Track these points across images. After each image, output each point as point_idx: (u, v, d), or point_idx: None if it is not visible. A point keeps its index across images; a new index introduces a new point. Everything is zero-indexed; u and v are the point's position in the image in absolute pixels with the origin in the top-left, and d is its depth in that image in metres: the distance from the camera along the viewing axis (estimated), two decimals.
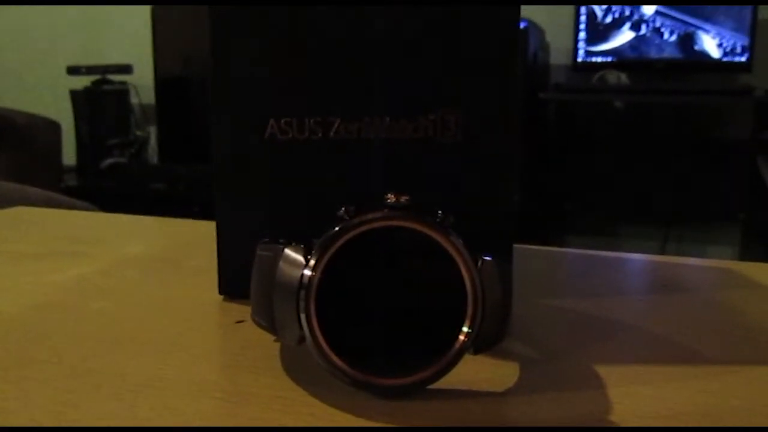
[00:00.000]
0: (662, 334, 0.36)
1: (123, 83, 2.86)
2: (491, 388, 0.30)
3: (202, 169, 2.44)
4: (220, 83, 0.38)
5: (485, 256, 0.28)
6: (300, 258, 0.28)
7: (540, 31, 2.47)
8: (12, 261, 0.50)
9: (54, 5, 3.08)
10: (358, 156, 0.37)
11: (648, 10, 2.44)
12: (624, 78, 2.44)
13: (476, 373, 0.31)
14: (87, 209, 1.10)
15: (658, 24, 2.43)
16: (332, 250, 0.27)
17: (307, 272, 0.27)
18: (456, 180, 0.37)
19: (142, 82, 2.85)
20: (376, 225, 0.27)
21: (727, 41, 2.37)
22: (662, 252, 2.44)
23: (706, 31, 2.39)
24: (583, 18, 2.49)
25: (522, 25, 2.18)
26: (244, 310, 0.36)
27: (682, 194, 2.51)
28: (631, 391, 0.29)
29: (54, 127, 2.39)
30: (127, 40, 2.98)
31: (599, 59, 2.49)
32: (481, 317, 0.28)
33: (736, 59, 2.37)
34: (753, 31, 2.34)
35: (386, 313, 0.28)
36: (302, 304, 0.27)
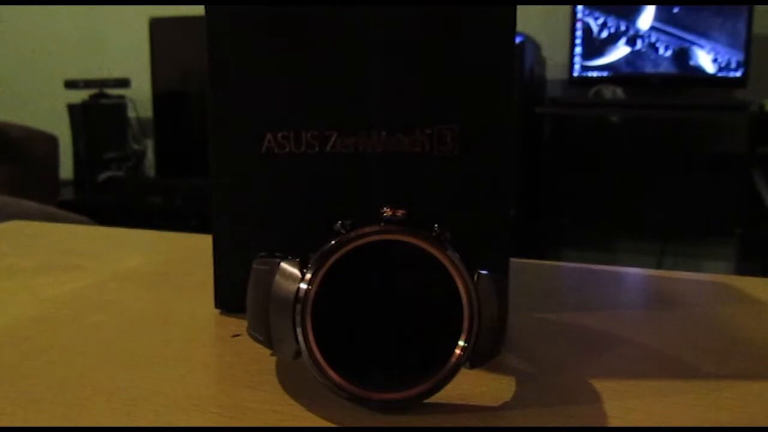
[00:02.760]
0: (658, 348, 0.36)
1: (120, 97, 2.86)
2: (487, 402, 0.30)
3: (199, 182, 2.44)
4: (218, 97, 0.38)
5: (481, 270, 0.29)
6: (296, 272, 0.28)
7: (536, 46, 2.49)
8: (8, 275, 0.50)
9: (52, 18, 3.09)
10: (354, 170, 0.37)
11: (643, 25, 2.45)
12: (620, 93, 2.45)
13: (472, 387, 0.31)
14: (83, 223, 1.10)
15: (653, 39, 2.45)
16: (328, 264, 0.27)
17: (303, 286, 0.27)
18: (452, 194, 0.38)
19: (140, 96, 2.85)
20: (372, 239, 0.27)
21: (722, 56, 2.38)
22: (659, 266, 2.44)
23: (701, 47, 2.41)
24: (579, 33, 2.50)
25: (518, 40, 2.19)
26: (240, 324, 0.36)
27: (678, 209, 2.52)
28: (626, 404, 0.29)
29: (51, 141, 2.39)
30: (125, 55, 2.98)
31: (595, 74, 2.50)
32: (477, 331, 0.28)
33: (731, 74, 2.38)
34: (748, 47, 2.35)
35: (382, 328, 0.28)
36: (298, 318, 0.27)
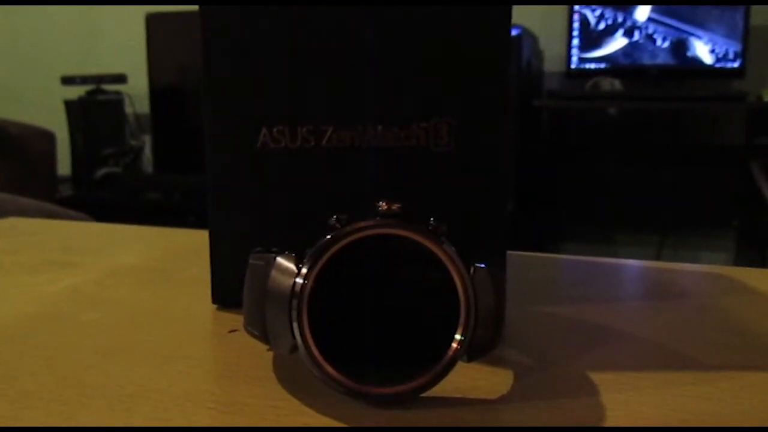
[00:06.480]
0: (657, 340, 0.36)
1: (117, 93, 2.85)
2: (485, 395, 0.30)
3: (196, 178, 2.43)
4: (213, 93, 0.38)
5: (478, 263, 0.28)
6: (292, 267, 0.28)
7: (533, 39, 2.48)
8: (5, 271, 0.50)
9: (49, 15, 3.08)
10: (350, 164, 0.37)
11: (641, 16, 2.45)
12: (617, 84, 2.45)
13: (470, 380, 0.31)
14: (81, 219, 1.10)
15: (650, 30, 2.45)
16: (324, 258, 0.27)
17: (299, 281, 0.27)
18: (448, 188, 0.37)
19: (137, 92, 2.84)
20: (368, 233, 0.27)
21: (720, 47, 2.38)
22: (657, 258, 2.44)
23: (699, 38, 2.40)
24: (576, 25, 2.50)
25: (515, 33, 2.19)
26: (237, 320, 0.36)
27: (676, 200, 2.52)
28: (625, 397, 0.29)
29: (48, 137, 2.39)
30: (122, 50, 2.97)
31: (592, 66, 2.50)
32: (473, 325, 0.28)
33: (729, 65, 2.38)
34: (745, 38, 2.35)
35: (379, 322, 0.28)
36: (294, 312, 0.27)
